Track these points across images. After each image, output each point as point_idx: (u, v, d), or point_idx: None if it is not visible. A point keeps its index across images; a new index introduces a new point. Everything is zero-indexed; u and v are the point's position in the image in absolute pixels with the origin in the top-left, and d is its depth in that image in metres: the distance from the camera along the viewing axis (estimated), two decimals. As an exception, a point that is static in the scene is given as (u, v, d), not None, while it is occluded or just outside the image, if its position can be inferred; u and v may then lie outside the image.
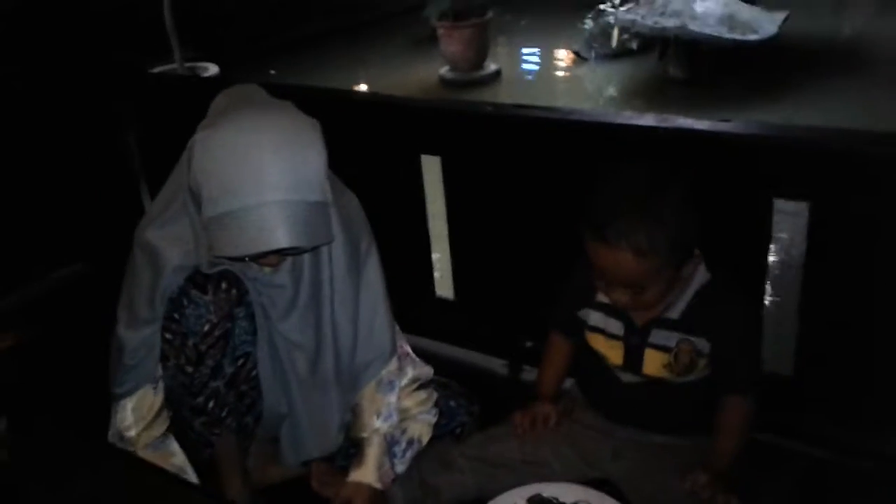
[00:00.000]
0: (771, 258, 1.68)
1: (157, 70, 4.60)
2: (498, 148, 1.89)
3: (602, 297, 1.56)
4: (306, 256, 1.49)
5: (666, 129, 1.63)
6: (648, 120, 1.70)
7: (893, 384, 1.57)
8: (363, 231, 1.58)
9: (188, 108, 1.38)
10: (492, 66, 5.56)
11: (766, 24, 4.68)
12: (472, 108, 2.13)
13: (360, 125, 2.06)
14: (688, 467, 1.49)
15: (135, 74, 2.87)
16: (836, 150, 1.52)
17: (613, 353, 1.57)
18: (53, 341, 2.21)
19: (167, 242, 1.45)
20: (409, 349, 1.73)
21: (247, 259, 1.39)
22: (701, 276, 1.50)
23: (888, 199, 1.47)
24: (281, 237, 1.28)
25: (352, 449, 1.64)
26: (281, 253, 1.38)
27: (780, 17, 4.78)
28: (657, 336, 1.52)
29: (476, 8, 5.33)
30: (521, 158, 1.87)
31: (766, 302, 1.68)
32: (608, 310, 1.56)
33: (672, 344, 1.50)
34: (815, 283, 1.60)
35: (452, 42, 5.37)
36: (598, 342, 1.60)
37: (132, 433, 1.53)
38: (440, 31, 5.40)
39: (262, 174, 1.26)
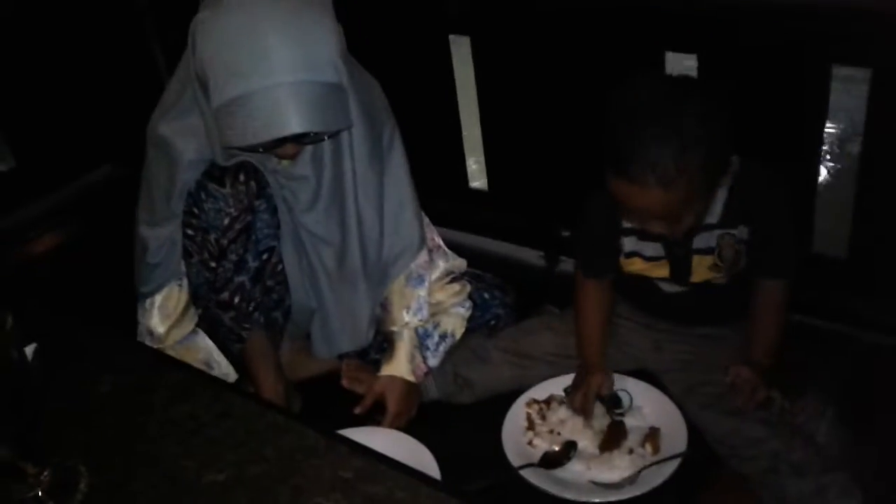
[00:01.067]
0: (828, 131, 1.55)
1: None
2: (532, 26, 1.76)
3: (628, 224, 1.42)
4: (326, 147, 1.42)
5: (712, -5, 1.49)
6: (694, -16, 1.55)
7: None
8: (386, 119, 1.50)
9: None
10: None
11: None
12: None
13: (384, 5, 1.94)
14: (730, 358, 1.43)
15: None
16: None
17: (657, 270, 1.46)
18: (87, 243, 2.22)
19: (180, 136, 1.39)
20: (440, 242, 1.68)
21: (261, 150, 1.32)
22: (734, 168, 1.35)
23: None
24: (293, 121, 1.20)
25: (385, 343, 1.62)
26: (297, 142, 1.31)
27: None
28: (698, 240, 1.40)
29: None
30: (558, 35, 1.74)
31: (822, 178, 1.56)
32: (640, 233, 1.41)
33: (713, 243, 1.40)
34: (874, 158, 1.48)
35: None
36: (636, 265, 1.47)
37: (160, 330, 1.53)
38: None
39: (269, 54, 1.18)
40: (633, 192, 1.25)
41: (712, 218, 1.39)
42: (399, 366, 1.56)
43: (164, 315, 1.52)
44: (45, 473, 0.92)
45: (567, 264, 1.95)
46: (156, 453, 1.00)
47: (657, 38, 1.60)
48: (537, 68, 1.81)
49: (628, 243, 1.46)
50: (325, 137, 1.35)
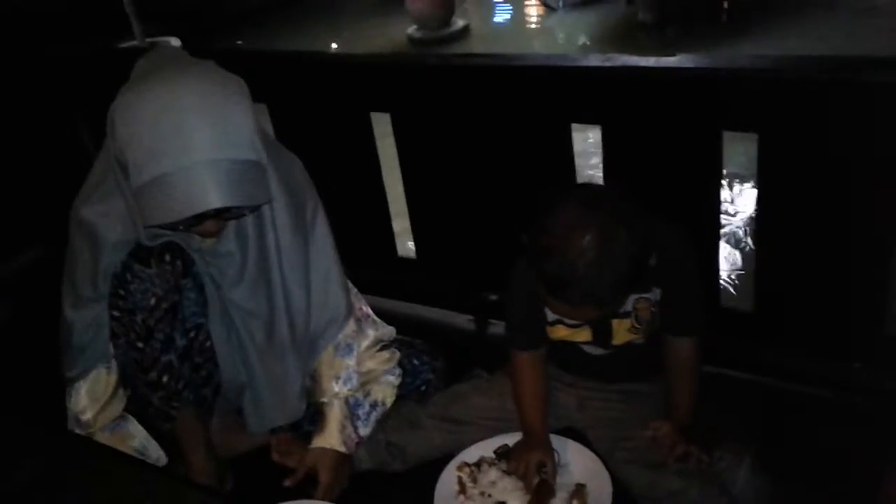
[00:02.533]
0: (726, 193, 1.65)
1: (118, 47, 4.50)
2: (446, 100, 1.85)
3: None
4: (250, 223, 1.45)
5: (611, 68, 1.59)
6: (593, 60, 1.66)
7: (849, 313, 1.56)
8: (308, 194, 1.54)
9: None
10: (459, 22, 5.48)
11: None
12: (416, 62, 2.08)
13: (307, 86, 2.01)
14: (651, 414, 1.49)
15: (87, 48, 2.80)
16: (781, 77, 1.48)
17: (580, 334, 1.52)
18: (17, 325, 2.19)
19: (104, 218, 1.41)
20: (369, 310, 1.71)
21: (181, 228, 1.35)
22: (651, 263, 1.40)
23: (837, 124, 1.43)
24: (212, 198, 1.23)
25: (316, 415, 1.62)
26: (218, 218, 1.33)
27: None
28: None
29: (439, -37, 5.23)
30: (471, 109, 1.83)
31: (726, 239, 1.65)
32: None
33: (630, 307, 1.46)
34: (768, 214, 1.57)
35: (417, 0, 5.28)
36: (560, 332, 1.53)
37: (88, 416, 1.51)
38: (405, -11, 5.31)
39: (186, 134, 1.21)
40: (566, 308, 1.34)
41: None
42: (330, 437, 1.57)
43: (92, 399, 1.50)
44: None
45: (496, 327, 1.99)
46: (75, 539, 1.00)
47: (563, 111, 1.69)
48: (456, 139, 1.88)
49: (551, 313, 1.51)
50: (246, 213, 1.38)
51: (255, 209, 1.39)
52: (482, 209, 1.93)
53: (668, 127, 1.56)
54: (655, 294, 1.46)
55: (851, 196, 1.48)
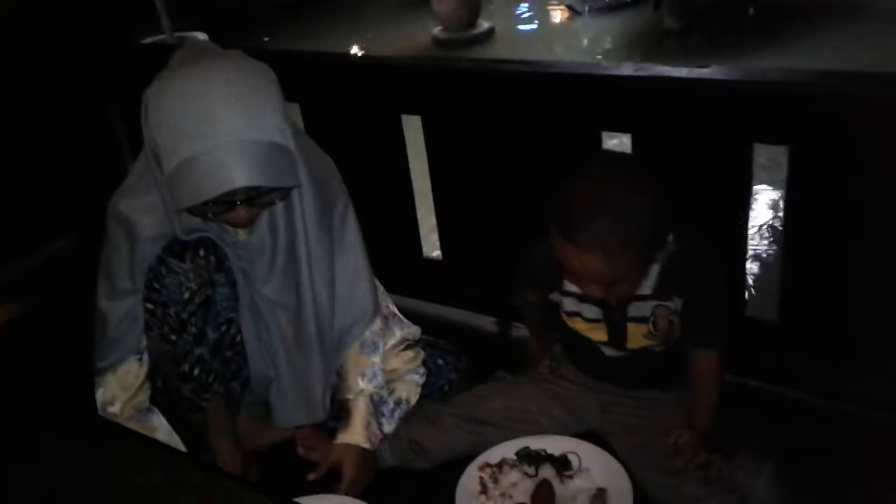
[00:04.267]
0: (755, 204, 1.66)
1: (146, 41, 4.56)
2: (478, 104, 1.87)
3: (570, 286, 1.52)
4: (280, 217, 1.46)
5: (643, 78, 1.61)
6: (626, 69, 1.67)
7: (874, 326, 1.56)
8: (338, 193, 1.56)
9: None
10: (485, 25, 5.50)
11: (763, -32, 4.59)
12: (449, 65, 2.10)
13: (339, 87, 2.04)
14: (672, 422, 1.50)
15: (120, 46, 2.84)
16: (813, 92, 1.49)
17: (596, 333, 1.55)
18: (47, 315, 2.22)
19: (140, 212, 1.44)
20: (395, 309, 1.73)
21: (210, 217, 1.37)
22: (668, 246, 1.43)
23: (867, 139, 1.44)
24: (237, 176, 1.25)
25: (341, 411, 1.65)
26: (250, 205, 1.35)
27: (776, -40, 4.69)
28: (633, 309, 1.49)
29: (466, -35, 5.25)
30: (502, 114, 1.84)
31: (750, 248, 1.66)
32: (580, 296, 1.52)
33: (647, 313, 1.48)
34: (796, 227, 1.58)
35: (444, 1, 5.30)
36: (577, 324, 1.57)
37: (116, 406, 1.53)
38: (431, -10, 5.34)
39: (213, 118, 1.25)
40: (575, 254, 1.35)
41: (646, 289, 1.47)
42: (355, 433, 1.59)
43: (121, 388, 1.53)
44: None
45: (519, 330, 2.01)
46: (112, 524, 1.02)
47: (594, 119, 1.71)
48: (485, 143, 1.90)
49: (569, 303, 1.55)
50: (276, 200, 1.40)
51: (285, 196, 1.41)
52: (509, 213, 1.94)
53: (698, 137, 1.57)
54: (676, 304, 1.47)
55: (883, 209, 1.49)
